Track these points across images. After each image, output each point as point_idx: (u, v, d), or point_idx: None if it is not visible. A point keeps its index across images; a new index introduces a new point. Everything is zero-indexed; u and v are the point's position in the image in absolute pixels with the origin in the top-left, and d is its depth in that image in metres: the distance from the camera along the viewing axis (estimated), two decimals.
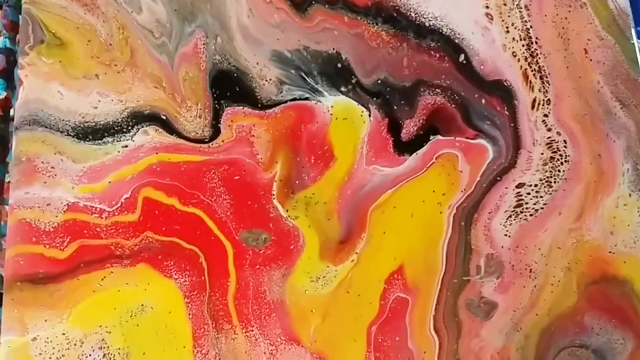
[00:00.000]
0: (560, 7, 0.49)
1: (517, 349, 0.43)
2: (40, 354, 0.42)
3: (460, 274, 0.44)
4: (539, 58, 0.48)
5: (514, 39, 0.48)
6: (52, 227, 0.44)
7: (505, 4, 0.48)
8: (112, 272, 0.44)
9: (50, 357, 0.42)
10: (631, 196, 0.45)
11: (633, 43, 0.49)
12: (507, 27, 0.48)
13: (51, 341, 0.42)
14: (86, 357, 0.42)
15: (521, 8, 0.48)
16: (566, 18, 0.48)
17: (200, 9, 0.47)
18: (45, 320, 0.42)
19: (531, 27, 0.48)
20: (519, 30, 0.48)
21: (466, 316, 0.44)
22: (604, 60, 0.48)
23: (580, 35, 0.48)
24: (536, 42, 0.48)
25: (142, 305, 0.43)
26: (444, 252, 0.44)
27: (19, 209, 0.44)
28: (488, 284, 0.44)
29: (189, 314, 0.43)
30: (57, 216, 0.44)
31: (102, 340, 0.42)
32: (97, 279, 0.43)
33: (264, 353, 0.42)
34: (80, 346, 0.42)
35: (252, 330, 0.43)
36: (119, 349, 0.42)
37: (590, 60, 0.48)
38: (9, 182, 0.48)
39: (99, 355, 0.42)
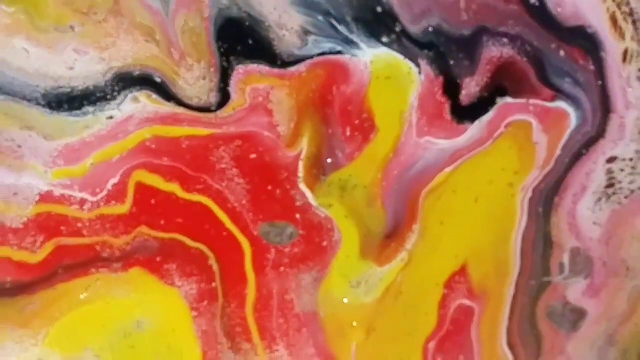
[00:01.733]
0: None
1: None
2: None
3: (539, 275, 0.43)
4: None
5: None
6: (21, 224, 0.41)
7: None
8: (98, 279, 0.41)
9: None
10: None
11: None
12: None
13: None
14: None
15: None
16: None
17: None
18: (16, 343, 0.40)
19: None
20: None
21: (548, 328, 0.43)
22: None
23: None
24: None
25: (138, 321, 0.41)
26: (517, 246, 0.43)
27: None
28: (574, 286, 0.43)
29: (198, 331, 0.42)
30: (27, 209, 0.41)
31: None
32: (79, 289, 0.41)
33: None
34: None
35: (278, 351, 0.43)
36: None
37: None
38: None
39: None
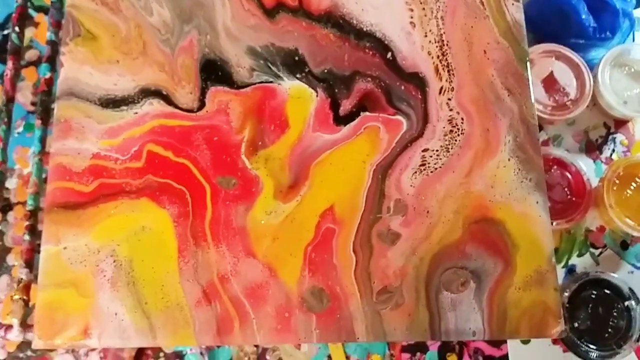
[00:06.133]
0: (468, 18, 0.57)
1: (413, 268, 0.50)
2: (68, 258, 0.51)
3: (375, 212, 0.51)
4: (448, 56, 0.56)
5: (430, 41, 0.56)
6: (81, 170, 0.52)
7: (425, 15, 0.57)
8: (122, 202, 0.51)
9: (75, 261, 0.51)
10: (510, 160, 0.53)
11: (523, 47, 0.57)
12: (425, 33, 0.56)
13: (76, 250, 0.50)
14: (101, 262, 0.51)
15: (438, 18, 0.57)
16: (472, 27, 0.56)
17: (195, 14, 0.57)
18: (73, 235, 0.50)
19: (444, 32, 0.56)
20: (434, 35, 0.56)
21: (377, 242, 0.50)
22: (498, 59, 0.56)
23: (481, 40, 0.56)
24: (447, 44, 0.56)
25: (143, 227, 0.51)
26: (364, 196, 0.51)
27: (58, 155, 0.53)
28: (395, 220, 0.51)
29: (177, 234, 0.50)
30: (84, 162, 0.52)
31: (113, 250, 0.50)
32: (111, 207, 0.51)
33: (229, 263, 0.51)
34: (97, 254, 0.50)
35: (221, 247, 0.50)
36: (125, 257, 0.51)
37: (488, 58, 0.56)
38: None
39: (110, 262, 0.51)
